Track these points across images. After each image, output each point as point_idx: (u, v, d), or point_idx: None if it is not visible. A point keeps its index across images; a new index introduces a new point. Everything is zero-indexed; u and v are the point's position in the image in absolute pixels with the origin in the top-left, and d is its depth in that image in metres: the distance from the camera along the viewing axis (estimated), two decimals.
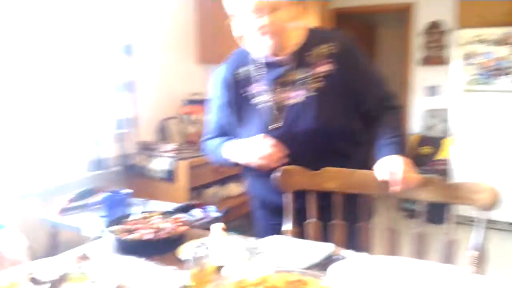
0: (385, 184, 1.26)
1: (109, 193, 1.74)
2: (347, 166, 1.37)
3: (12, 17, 2.16)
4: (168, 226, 1.28)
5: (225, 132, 1.49)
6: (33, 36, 2.26)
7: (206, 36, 3.33)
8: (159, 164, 2.70)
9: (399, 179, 1.22)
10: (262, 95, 1.39)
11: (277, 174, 1.39)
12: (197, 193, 2.79)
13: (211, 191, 2.90)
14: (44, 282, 0.98)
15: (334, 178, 1.38)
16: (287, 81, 1.37)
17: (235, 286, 0.88)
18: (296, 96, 1.35)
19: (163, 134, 3.07)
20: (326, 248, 1.16)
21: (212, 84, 1.53)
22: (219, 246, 1.09)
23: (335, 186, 1.38)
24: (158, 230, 1.25)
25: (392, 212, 1.37)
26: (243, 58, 1.44)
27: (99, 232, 1.75)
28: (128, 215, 1.37)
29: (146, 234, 1.23)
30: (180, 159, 2.67)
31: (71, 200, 2.08)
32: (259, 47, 1.34)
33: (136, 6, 2.78)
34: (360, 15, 5.29)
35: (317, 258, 1.10)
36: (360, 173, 1.37)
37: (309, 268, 1.05)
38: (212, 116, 1.54)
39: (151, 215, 1.37)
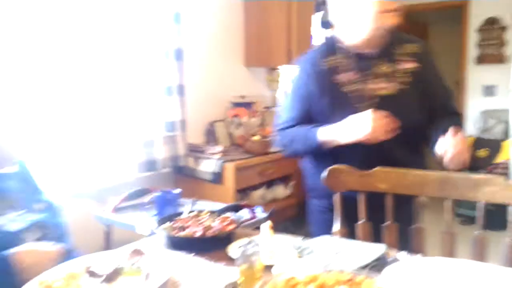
0: (440, 184, 1.21)
1: (160, 193, 1.79)
2: (409, 163, 1.38)
3: (74, 23, 2.28)
4: (217, 225, 1.30)
5: (308, 121, 1.48)
6: (92, 41, 2.37)
7: (253, 39, 3.35)
8: (207, 166, 2.74)
9: (458, 151, 1.24)
10: (352, 84, 1.42)
11: (325, 174, 1.37)
12: (244, 195, 2.80)
13: (257, 193, 2.90)
14: (100, 275, 1.02)
15: (386, 178, 1.34)
16: (377, 73, 1.42)
17: (285, 284, 0.87)
18: (387, 88, 1.41)
19: (210, 136, 3.12)
20: (378, 249, 1.12)
21: (296, 73, 1.54)
22: (268, 244, 1.08)
23: (387, 187, 1.34)
24: (207, 228, 1.27)
25: (448, 215, 1.30)
26: (331, 48, 1.48)
27: (151, 229, 1.80)
28: (178, 214, 1.41)
29: (196, 232, 1.25)
30: (227, 161, 2.70)
31: (124, 200, 2.16)
32: (378, 26, 1.36)
33: (185, 10, 2.85)
34: (411, 12, 5.12)
35: (369, 259, 1.07)
36: (413, 174, 1.32)
37: (360, 269, 1.02)
38: (293, 104, 1.53)
39: (200, 214, 1.39)
